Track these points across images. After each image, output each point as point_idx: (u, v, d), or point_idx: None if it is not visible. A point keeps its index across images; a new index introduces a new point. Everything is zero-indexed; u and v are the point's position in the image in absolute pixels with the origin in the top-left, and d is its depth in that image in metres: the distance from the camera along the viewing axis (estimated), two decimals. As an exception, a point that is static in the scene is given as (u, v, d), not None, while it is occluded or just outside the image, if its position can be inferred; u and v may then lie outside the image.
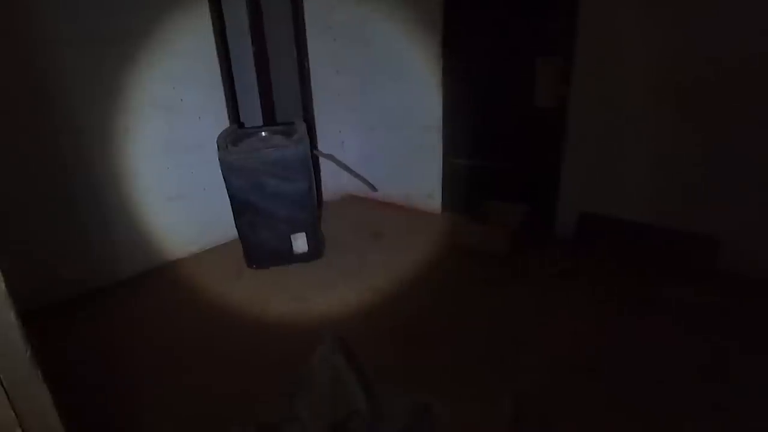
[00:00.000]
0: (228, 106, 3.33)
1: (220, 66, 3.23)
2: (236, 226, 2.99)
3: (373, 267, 3.02)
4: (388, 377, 1.96)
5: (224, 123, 3.32)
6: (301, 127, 3.05)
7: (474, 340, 2.25)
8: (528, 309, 2.49)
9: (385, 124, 3.93)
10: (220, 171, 3.31)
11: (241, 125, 3.37)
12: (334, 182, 4.19)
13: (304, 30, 3.70)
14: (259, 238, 2.99)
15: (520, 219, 3.11)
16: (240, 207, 2.90)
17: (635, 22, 2.61)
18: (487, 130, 3.43)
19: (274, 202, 2.90)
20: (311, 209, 3.06)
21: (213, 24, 3.13)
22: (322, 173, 4.14)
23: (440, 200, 3.79)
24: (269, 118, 4.21)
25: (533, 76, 3.08)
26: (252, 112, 4.02)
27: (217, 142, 2.90)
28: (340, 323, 2.41)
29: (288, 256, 3.06)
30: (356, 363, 2.01)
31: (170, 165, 3.10)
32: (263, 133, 3.13)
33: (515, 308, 2.51)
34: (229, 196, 2.89)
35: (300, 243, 3.05)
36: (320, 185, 4.13)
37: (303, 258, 3.09)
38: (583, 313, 2.43)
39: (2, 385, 0.61)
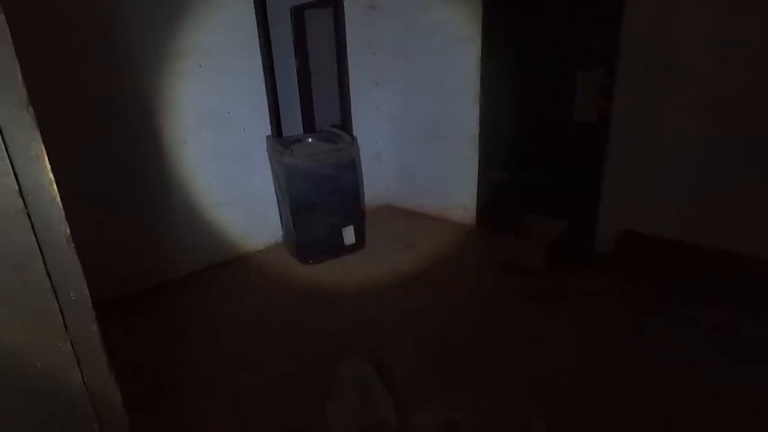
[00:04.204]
0: (271, 117, 3.49)
1: (265, 80, 3.39)
2: (293, 225, 3.23)
3: (406, 278, 3.06)
4: (416, 388, 1.99)
5: (267, 134, 3.48)
6: (343, 133, 3.43)
7: (505, 356, 2.24)
8: (562, 327, 2.45)
9: (421, 135, 3.98)
10: (260, 180, 3.50)
11: (281, 134, 3.55)
12: (369, 192, 4.28)
13: (345, 44, 3.82)
14: (314, 234, 3.27)
15: (557, 235, 3.06)
16: (299, 206, 3.18)
17: (685, 33, 2.52)
18: (525, 144, 3.41)
19: (330, 199, 3.23)
20: (359, 203, 3.43)
21: (260, 40, 3.30)
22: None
23: (475, 213, 3.79)
24: (309, 129, 4.38)
25: (573, 90, 3.04)
26: (293, 123, 4.20)
27: (275, 148, 3.18)
28: (371, 333, 2.46)
29: (339, 249, 3.36)
30: (385, 374, 2.06)
31: (216, 173, 3.29)
32: (309, 139, 3.46)
33: (549, 326, 2.47)
34: (289, 197, 3.15)
35: (349, 235, 3.35)
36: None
37: (351, 249, 3.42)
38: (620, 334, 2.36)
39: (85, 386, 0.71)
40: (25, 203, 0.62)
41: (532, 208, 3.35)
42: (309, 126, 4.58)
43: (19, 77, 0.60)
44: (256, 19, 3.24)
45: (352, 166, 3.29)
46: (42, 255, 0.65)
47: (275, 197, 3.61)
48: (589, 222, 3.12)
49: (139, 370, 2.22)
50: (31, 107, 0.62)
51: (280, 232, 3.67)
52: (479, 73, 3.42)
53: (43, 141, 0.65)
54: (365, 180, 4.17)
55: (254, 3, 3.19)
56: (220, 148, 3.27)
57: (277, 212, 3.64)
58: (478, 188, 3.71)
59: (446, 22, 3.51)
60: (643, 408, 1.86)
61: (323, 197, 3.20)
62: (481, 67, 3.40)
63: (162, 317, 2.77)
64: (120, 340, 2.36)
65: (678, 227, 2.77)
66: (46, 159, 0.64)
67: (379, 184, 4.30)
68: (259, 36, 3.28)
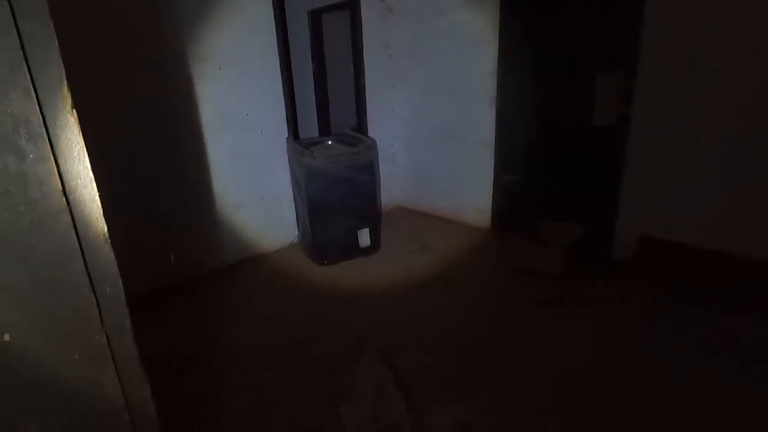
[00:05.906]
0: (288, 119, 3.54)
1: (283, 82, 3.44)
2: (310, 225, 3.26)
3: (421, 280, 3.07)
4: (430, 390, 2.00)
5: (283, 136, 3.52)
6: (362, 136, 3.46)
7: (519, 358, 2.23)
8: (577, 331, 2.43)
9: (437, 138, 3.99)
10: (276, 181, 3.55)
11: (297, 137, 3.59)
12: (384, 194, 4.30)
13: (362, 47, 3.85)
14: (330, 235, 3.29)
15: (573, 239, 3.03)
16: (317, 207, 3.21)
17: (706, 35, 2.48)
18: (542, 147, 3.38)
19: (346, 201, 3.25)
20: (375, 205, 3.45)
21: (278, 43, 3.35)
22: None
23: (491, 215, 3.77)
24: (325, 131, 4.42)
25: (592, 93, 3.00)
26: (310, 125, 4.25)
27: (295, 149, 3.22)
28: (386, 334, 2.48)
29: (354, 251, 3.38)
30: (399, 376, 2.07)
31: (234, 174, 3.34)
32: (329, 142, 3.51)
33: (563, 329, 2.45)
34: (307, 198, 3.18)
35: (364, 238, 3.36)
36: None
37: (366, 252, 3.43)
38: (634, 338, 2.32)
39: (118, 378, 0.74)
40: (68, 201, 0.65)
41: (548, 212, 3.32)
42: (325, 128, 4.62)
43: (65, 82, 0.63)
44: (275, 22, 3.29)
45: (370, 169, 3.32)
46: (82, 251, 0.68)
47: (291, 198, 3.65)
48: (607, 226, 3.08)
49: (154, 368, 2.26)
50: (75, 111, 0.65)
51: (296, 233, 3.71)
52: (496, 75, 3.42)
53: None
54: (380, 181, 4.20)
55: (273, 6, 3.24)
56: (238, 149, 3.32)
57: (293, 213, 3.69)
58: (493, 191, 3.70)
59: (463, 24, 3.51)
60: (657, 411, 1.84)
61: (340, 199, 3.22)
62: (498, 69, 3.40)
63: (178, 315, 2.82)
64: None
65: (697, 233, 2.72)
66: (88, 159, 0.67)
67: (393, 186, 4.31)
68: (278, 39, 3.33)
